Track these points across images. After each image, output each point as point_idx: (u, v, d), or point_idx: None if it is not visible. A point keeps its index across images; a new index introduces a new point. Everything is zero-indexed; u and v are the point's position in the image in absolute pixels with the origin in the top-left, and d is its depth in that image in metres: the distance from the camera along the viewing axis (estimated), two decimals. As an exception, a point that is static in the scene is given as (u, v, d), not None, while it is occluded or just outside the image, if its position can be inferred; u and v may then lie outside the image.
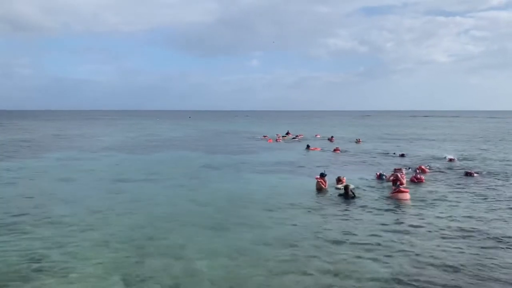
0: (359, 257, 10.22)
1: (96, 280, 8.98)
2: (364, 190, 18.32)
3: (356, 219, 13.70)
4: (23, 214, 14.20)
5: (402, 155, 31.85)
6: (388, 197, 16.60)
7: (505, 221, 13.37)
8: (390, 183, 18.83)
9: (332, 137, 49.43)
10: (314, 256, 10.31)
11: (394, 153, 33.28)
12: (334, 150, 36.36)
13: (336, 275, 9.19)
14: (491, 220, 13.46)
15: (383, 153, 34.53)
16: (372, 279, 8.94)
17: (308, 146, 38.59)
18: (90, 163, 28.22)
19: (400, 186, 17.36)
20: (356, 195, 16.67)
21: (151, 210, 15.03)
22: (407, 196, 16.25)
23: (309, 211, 14.91)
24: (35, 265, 9.67)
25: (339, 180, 18.82)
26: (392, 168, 21.95)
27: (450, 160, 27.99)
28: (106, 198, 16.88)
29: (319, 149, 37.85)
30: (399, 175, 19.08)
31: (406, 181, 19.28)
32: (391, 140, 49.03)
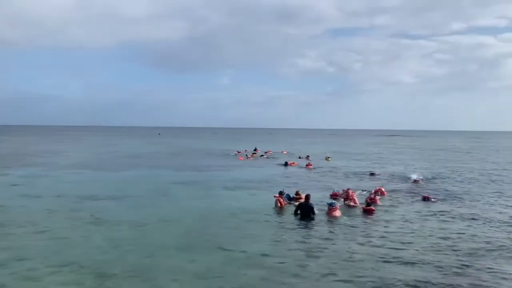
0: (324, 274, 10.26)
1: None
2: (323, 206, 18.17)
3: (316, 238, 13.79)
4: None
5: (372, 174, 32.16)
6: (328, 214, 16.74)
7: (444, 252, 12.52)
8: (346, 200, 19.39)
9: (307, 156, 47.62)
10: (281, 274, 10.26)
11: (369, 172, 33.06)
12: (307, 165, 37.48)
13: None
14: (435, 248, 12.67)
15: (351, 171, 35.07)
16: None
17: (286, 163, 39.17)
18: (53, 180, 27.24)
19: (351, 203, 18.84)
20: (315, 211, 16.51)
21: (116, 230, 14.58)
22: (337, 213, 16.77)
23: (275, 229, 15.00)
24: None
25: (297, 194, 19.00)
26: (347, 187, 21.55)
27: (415, 181, 27.42)
28: (69, 218, 16.24)
29: (295, 164, 39.25)
30: (350, 192, 19.61)
31: (360, 202, 19.15)
32: (359, 158, 49.93)
